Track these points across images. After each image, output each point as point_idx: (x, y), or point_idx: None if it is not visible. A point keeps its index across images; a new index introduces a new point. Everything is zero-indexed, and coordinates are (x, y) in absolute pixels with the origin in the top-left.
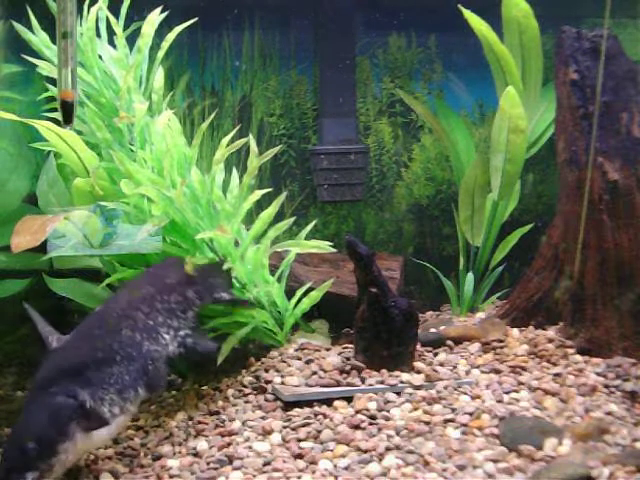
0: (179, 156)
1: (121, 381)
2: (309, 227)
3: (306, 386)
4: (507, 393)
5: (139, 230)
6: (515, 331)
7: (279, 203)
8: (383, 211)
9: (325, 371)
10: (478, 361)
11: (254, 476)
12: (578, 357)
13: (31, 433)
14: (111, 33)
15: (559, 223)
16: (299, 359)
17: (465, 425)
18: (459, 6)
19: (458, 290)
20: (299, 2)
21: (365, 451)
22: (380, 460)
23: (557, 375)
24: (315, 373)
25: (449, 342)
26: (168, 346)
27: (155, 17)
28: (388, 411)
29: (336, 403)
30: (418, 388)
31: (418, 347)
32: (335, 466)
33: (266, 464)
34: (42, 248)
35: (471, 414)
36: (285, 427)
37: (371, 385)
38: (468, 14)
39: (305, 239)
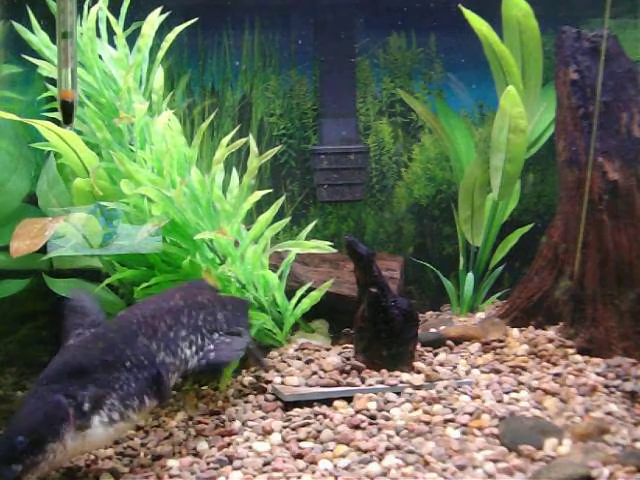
0: (179, 156)
1: (126, 387)
2: (309, 227)
3: (306, 386)
4: (507, 393)
5: (139, 230)
6: (515, 331)
7: (278, 206)
8: (383, 211)
9: (325, 371)
10: (478, 361)
11: (254, 476)
12: (578, 357)
13: (23, 427)
14: (111, 33)
15: (559, 223)
16: (299, 359)
17: (465, 425)
18: (459, 6)
19: (458, 290)
20: (299, 2)
21: (365, 451)
22: (380, 460)
23: (557, 375)
24: (315, 373)
25: (449, 342)
26: (188, 361)
27: (155, 17)
28: (388, 411)
29: (336, 403)
30: (418, 388)
31: (418, 347)
32: (335, 466)
33: (266, 464)
34: (42, 248)
35: (471, 414)
36: (285, 427)
37: (371, 385)
38: (468, 14)
39: (305, 239)
